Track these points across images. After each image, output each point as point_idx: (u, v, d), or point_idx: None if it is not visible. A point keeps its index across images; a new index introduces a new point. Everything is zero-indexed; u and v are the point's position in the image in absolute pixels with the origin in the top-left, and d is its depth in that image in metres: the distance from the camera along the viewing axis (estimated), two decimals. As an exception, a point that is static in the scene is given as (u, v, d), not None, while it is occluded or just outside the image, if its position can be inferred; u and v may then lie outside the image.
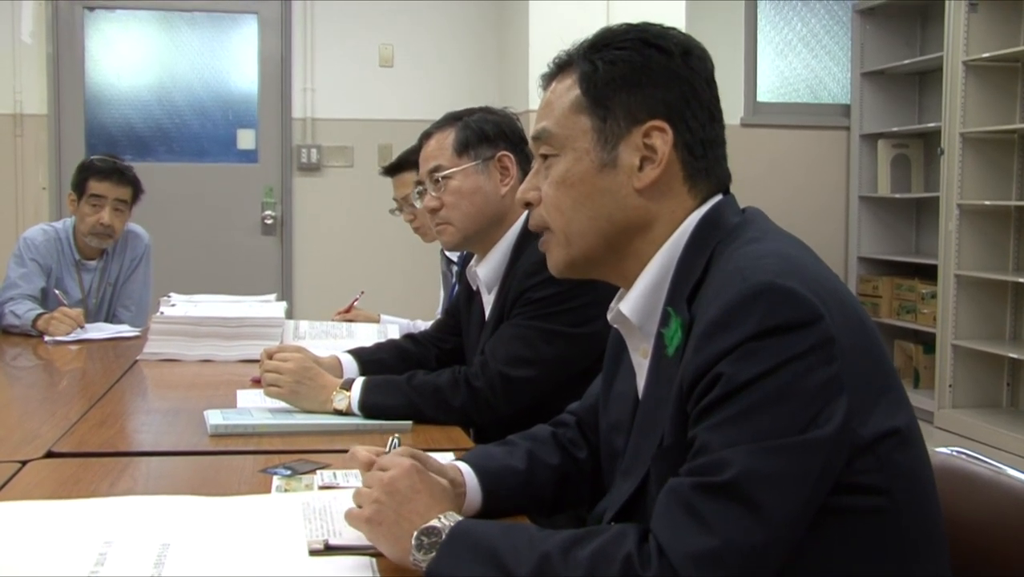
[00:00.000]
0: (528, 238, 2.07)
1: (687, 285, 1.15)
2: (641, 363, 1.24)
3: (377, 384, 1.93)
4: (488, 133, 2.11)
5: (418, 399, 1.91)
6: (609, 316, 1.27)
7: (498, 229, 2.12)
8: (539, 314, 1.96)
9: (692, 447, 1.05)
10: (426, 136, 2.17)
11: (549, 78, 1.28)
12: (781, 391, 1.01)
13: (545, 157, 1.25)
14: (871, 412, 1.05)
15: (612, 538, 1.03)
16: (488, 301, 2.16)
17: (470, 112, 2.17)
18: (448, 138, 2.11)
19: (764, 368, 1.01)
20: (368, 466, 1.25)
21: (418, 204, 2.21)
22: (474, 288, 2.24)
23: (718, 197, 1.22)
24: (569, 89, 1.23)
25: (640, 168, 1.19)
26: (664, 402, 1.13)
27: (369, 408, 1.89)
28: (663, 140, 1.18)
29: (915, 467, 1.10)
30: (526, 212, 2.11)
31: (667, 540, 1.00)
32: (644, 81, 1.19)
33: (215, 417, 1.84)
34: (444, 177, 2.09)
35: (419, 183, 2.19)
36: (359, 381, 1.94)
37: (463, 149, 2.10)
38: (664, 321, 1.17)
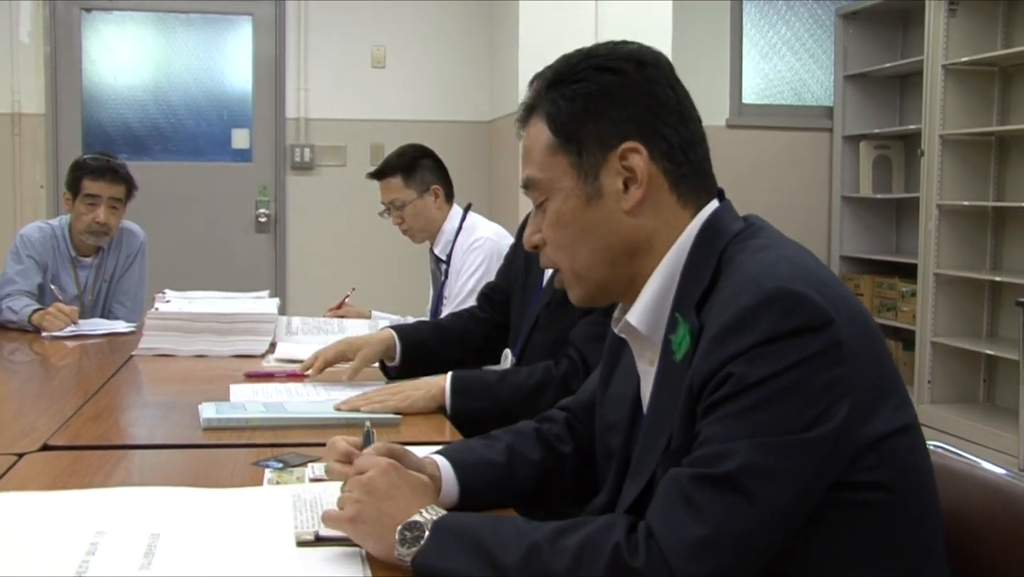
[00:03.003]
0: None
1: (695, 292, 1.15)
2: (647, 370, 1.24)
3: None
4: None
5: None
6: (615, 327, 1.28)
7: None
8: None
9: (697, 440, 1.07)
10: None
11: (522, 123, 1.29)
12: (787, 390, 1.02)
13: (538, 202, 1.27)
14: (875, 412, 1.07)
15: (600, 528, 1.05)
16: None
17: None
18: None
19: (774, 369, 1.03)
20: (344, 457, 1.28)
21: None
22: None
23: (714, 204, 1.23)
24: (540, 132, 1.24)
25: (625, 190, 1.20)
26: (671, 406, 1.13)
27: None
28: (639, 158, 1.19)
29: (916, 464, 1.12)
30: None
31: (660, 528, 1.02)
32: (606, 107, 1.20)
33: (209, 411, 1.84)
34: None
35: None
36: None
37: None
38: (672, 327, 1.17)
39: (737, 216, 1.23)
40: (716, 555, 0.99)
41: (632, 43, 1.26)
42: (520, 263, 2.38)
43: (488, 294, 2.50)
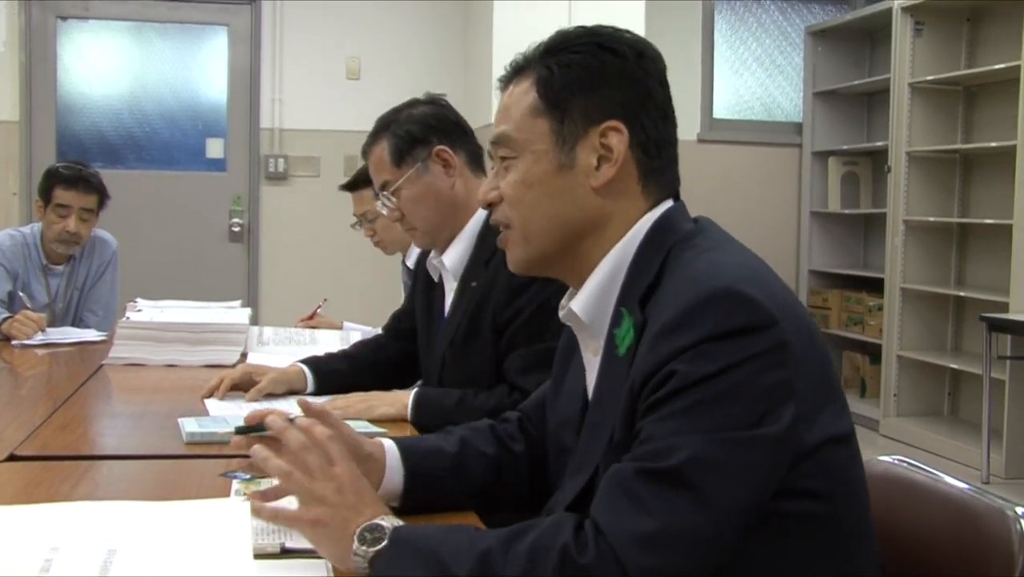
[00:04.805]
0: (491, 229, 2.12)
1: (640, 286, 1.15)
2: (592, 361, 1.24)
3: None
4: (416, 134, 2.12)
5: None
6: (560, 314, 1.27)
7: (459, 218, 2.15)
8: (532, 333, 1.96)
9: (639, 437, 1.05)
10: (365, 153, 2.21)
11: (506, 81, 1.29)
12: (732, 388, 1.02)
13: (504, 159, 1.26)
14: (815, 420, 1.06)
15: (548, 529, 1.04)
16: (451, 289, 2.17)
17: (397, 113, 2.18)
18: (383, 151, 2.14)
19: (717, 367, 1.02)
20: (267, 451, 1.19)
21: (385, 212, 2.23)
22: (435, 279, 2.24)
23: (669, 203, 1.24)
24: (526, 93, 1.24)
25: (597, 167, 1.21)
26: (614, 400, 1.13)
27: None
28: (619, 140, 1.20)
29: (853, 475, 1.12)
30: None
31: (607, 523, 1.01)
32: (599, 83, 1.21)
33: (190, 425, 1.78)
34: (394, 191, 2.14)
35: (378, 196, 2.23)
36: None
37: (400, 158, 2.12)
38: (616, 321, 1.17)
39: (689, 217, 1.24)
40: (665, 549, 0.99)
41: (635, 33, 1.27)
42: (421, 296, 2.33)
43: (393, 323, 2.48)
